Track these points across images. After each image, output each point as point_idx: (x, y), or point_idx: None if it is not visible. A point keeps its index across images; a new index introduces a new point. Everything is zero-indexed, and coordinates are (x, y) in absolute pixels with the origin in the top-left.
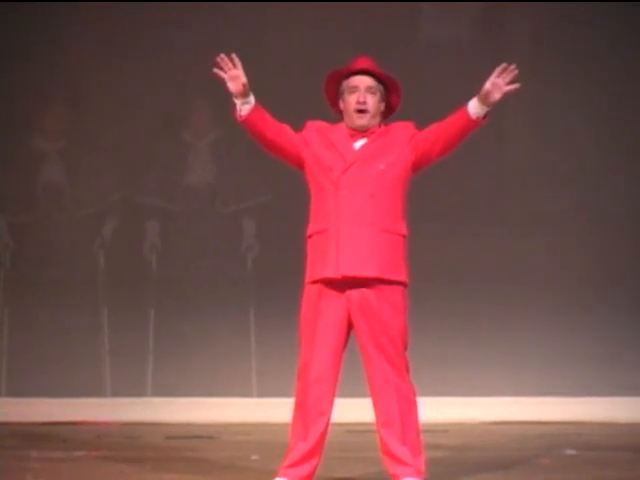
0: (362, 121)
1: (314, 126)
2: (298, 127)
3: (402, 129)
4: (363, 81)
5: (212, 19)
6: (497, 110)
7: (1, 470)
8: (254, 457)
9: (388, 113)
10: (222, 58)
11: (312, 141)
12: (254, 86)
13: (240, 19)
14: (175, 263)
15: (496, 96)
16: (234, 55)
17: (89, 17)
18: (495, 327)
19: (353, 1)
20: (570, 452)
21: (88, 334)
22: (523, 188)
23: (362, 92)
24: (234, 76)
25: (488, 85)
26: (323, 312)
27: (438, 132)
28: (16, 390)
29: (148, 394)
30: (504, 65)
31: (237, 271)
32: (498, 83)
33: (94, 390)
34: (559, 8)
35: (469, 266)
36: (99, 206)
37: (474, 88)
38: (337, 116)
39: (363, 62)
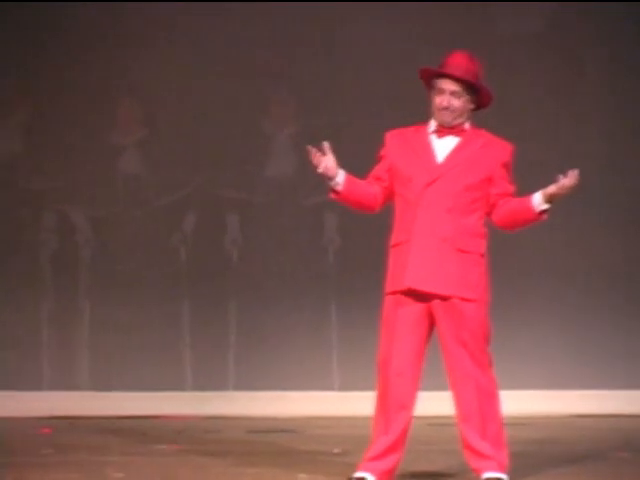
0: (446, 118)
1: (394, 137)
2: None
3: (499, 151)
4: (449, 85)
5: (295, 12)
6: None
7: (82, 464)
8: (336, 450)
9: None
10: (314, 154)
11: (391, 154)
12: (330, 83)
13: (317, 13)
14: (256, 256)
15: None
16: (325, 144)
17: (157, 11)
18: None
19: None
20: None
21: (169, 328)
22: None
23: (447, 96)
24: (329, 167)
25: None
26: (404, 306)
27: (502, 211)
28: (97, 384)
29: (229, 388)
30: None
31: (318, 264)
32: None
33: (175, 384)
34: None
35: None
36: (179, 200)
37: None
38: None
39: (454, 62)
